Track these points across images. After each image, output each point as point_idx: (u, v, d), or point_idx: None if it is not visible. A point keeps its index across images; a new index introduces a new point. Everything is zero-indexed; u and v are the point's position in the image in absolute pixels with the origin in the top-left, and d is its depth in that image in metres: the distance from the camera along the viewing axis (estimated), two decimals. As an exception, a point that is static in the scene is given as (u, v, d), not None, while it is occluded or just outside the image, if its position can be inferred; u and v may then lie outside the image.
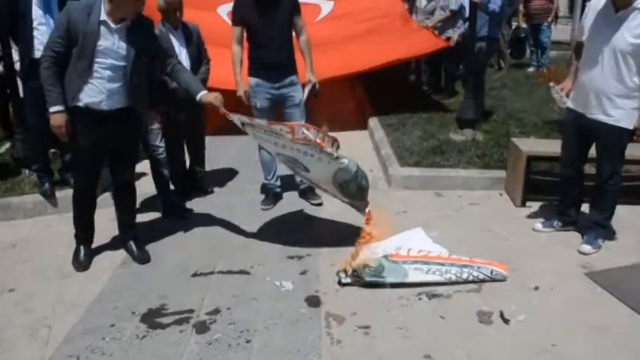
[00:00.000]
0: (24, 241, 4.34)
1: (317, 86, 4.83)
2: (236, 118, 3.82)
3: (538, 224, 4.39)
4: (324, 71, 6.95)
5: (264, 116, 4.49)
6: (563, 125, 4.21)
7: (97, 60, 3.52)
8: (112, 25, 3.51)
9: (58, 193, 4.86)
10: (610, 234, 4.23)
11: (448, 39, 8.03)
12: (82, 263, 3.91)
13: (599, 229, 4.12)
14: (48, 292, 3.62)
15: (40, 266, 3.95)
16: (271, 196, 5.06)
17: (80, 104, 3.58)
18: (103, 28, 3.49)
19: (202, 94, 3.82)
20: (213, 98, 3.80)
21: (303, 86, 4.81)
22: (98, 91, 3.58)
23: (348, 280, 3.64)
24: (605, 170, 4.00)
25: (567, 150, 4.19)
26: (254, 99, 4.71)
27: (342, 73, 7.41)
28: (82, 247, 3.98)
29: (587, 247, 4.06)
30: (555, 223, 4.34)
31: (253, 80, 4.69)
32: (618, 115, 3.78)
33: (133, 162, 4.07)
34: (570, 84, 4.17)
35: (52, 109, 3.55)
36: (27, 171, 5.24)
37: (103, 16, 3.48)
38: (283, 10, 4.63)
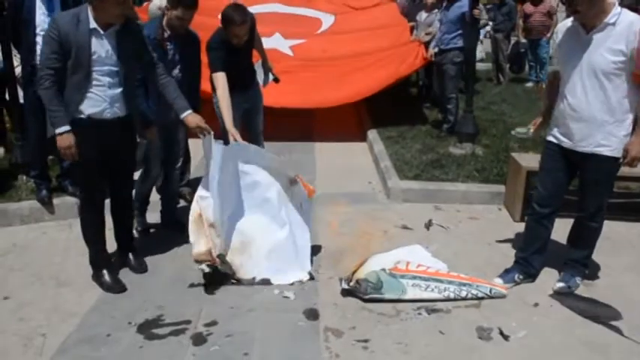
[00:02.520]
0: (20, 248, 4.31)
1: (273, 72, 5.09)
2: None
3: (498, 279, 3.84)
4: (326, 100, 7.08)
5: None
6: (544, 159, 3.76)
7: (94, 68, 3.45)
8: (102, 32, 3.44)
9: (56, 200, 4.84)
10: (590, 274, 3.91)
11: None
12: (117, 284, 3.73)
13: (578, 267, 3.81)
14: (43, 300, 3.58)
15: (35, 274, 3.91)
16: None
17: (82, 116, 3.50)
18: (93, 36, 3.42)
19: (187, 114, 3.76)
20: (196, 124, 3.76)
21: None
22: (101, 99, 3.51)
23: (349, 287, 3.62)
24: (590, 207, 3.62)
25: (547, 186, 3.72)
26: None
27: (342, 102, 7.47)
28: (105, 271, 3.78)
29: (563, 286, 3.76)
30: (516, 276, 3.85)
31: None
32: (611, 144, 3.41)
33: (132, 174, 4.03)
34: (543, 117, 3.90)
35: (59, 130, 3.42)
36: (24, 177, 5.21)
37: (93, 24, 3.40)
38: (251, 35, 4.63)
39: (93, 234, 3.80)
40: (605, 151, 3.43)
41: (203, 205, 3.78)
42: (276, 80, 5.14)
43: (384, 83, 7.61)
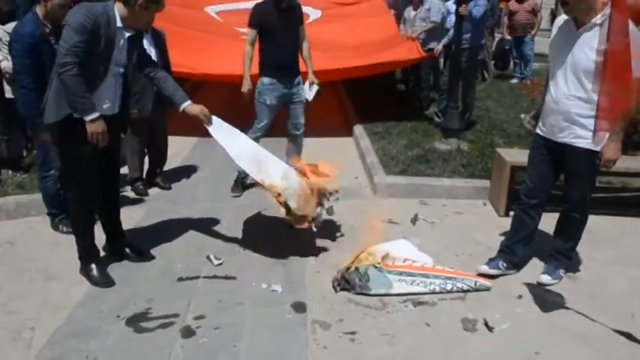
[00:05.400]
0: (7, 243, 4.30)
1: (320, 87, 5.35)
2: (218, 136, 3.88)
3: (483, 266, 3.91)
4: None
5: (271, 112, 5.20)
6: (531, 152, 3.87)
7: (111, 67, 3.50)
8: (125, 34, 3.50)
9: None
10: (573, 265, 4.00)
11: (430, 50, 8.07)
12: (105, 278, 3.73)
13: (561, 258, 3.88)
14: (32, 294, 3.58)
15: (23, 268, 3.90)
16: (241, 184, 5.44)
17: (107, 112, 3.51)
18: (119, 35, 3.47)
19: (187, 105, 3.77)
20: (199, 111, 3.77)
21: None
22: (111, 97, 3.56)
23: (340, 283, 3.68)
24: (572, 198, 3.70)
25: (534, 178, 3.81)
26: (264, 96, 5.15)
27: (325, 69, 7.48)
28: (93, 265, 3.77)
29: (546, 278, 3.81)
30: (501, 264, 3.91)
31: (267, 79, 5.13)
32: (588, 136, 3.46)
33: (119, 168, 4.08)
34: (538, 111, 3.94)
35: (92, 117, 3.39)
36: (10, 172, 5.19)
37: (119, 23, 3.44)
38: (296, 18, 5.17)
39: (85, 228, 3.79)
40: (582, 143, 3.49)
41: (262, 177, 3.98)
42: (319, 93, 5.35)
43: (373, 60, 7.59)
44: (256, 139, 5.12)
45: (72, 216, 3.81)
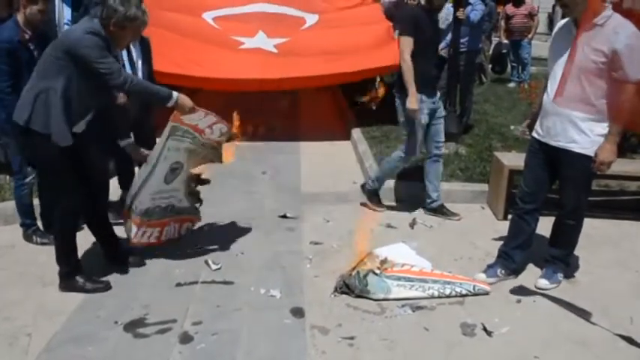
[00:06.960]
0: (4, 248, 4.28)
1: None
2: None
3: (481, 274, 3.88)
4: (306, 73, 7.12)
5: (423, 132, 4.82)
6: (527, 156, 3.85)
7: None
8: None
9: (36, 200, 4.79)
10: (571, 270, 3.98)
11: None
12: (98, 284, 3.69)
13: (559, 263, 3.87)
14: (28, 299, 3.56)
15: (20, 273, 3.89)
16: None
17: (78, 129, 3.48)
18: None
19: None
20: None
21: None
22: (91, 112, 3.55)
23: (341, 288, 3.68)
24: (567, 204, 3.69)
25: (529, 182, 3.80)
26: (420, 115, 4.68)
27: (322, 74, 7.48)
28: (79, 277, 3.68)
29: (544, 282, 3.80)
30: (499, 271, 3.89)
31: (418, 96, 4.62)
32: (583, 141, 3.45)
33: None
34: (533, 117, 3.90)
35: (175, 98, 3.54)
36: (7, 177, 5.17)
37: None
38: (437, 20, 4.84)
39: (73, 243, 3.70)
40: (576, 148, 3.49)
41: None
42: None
43: (371, 65, 7.62)
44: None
45: (61, 232, 3.68)
